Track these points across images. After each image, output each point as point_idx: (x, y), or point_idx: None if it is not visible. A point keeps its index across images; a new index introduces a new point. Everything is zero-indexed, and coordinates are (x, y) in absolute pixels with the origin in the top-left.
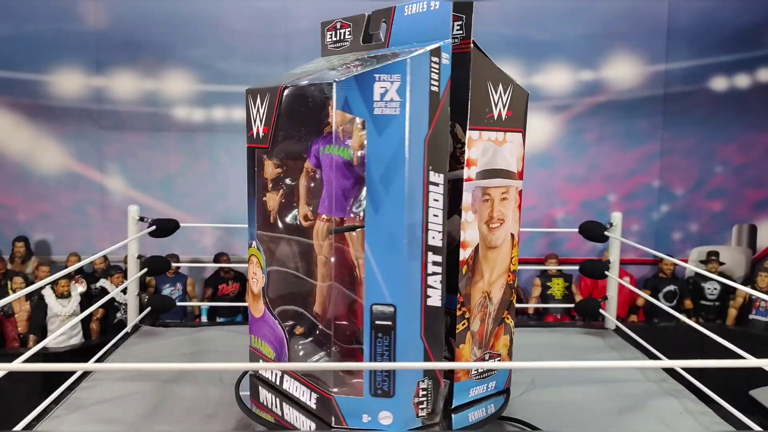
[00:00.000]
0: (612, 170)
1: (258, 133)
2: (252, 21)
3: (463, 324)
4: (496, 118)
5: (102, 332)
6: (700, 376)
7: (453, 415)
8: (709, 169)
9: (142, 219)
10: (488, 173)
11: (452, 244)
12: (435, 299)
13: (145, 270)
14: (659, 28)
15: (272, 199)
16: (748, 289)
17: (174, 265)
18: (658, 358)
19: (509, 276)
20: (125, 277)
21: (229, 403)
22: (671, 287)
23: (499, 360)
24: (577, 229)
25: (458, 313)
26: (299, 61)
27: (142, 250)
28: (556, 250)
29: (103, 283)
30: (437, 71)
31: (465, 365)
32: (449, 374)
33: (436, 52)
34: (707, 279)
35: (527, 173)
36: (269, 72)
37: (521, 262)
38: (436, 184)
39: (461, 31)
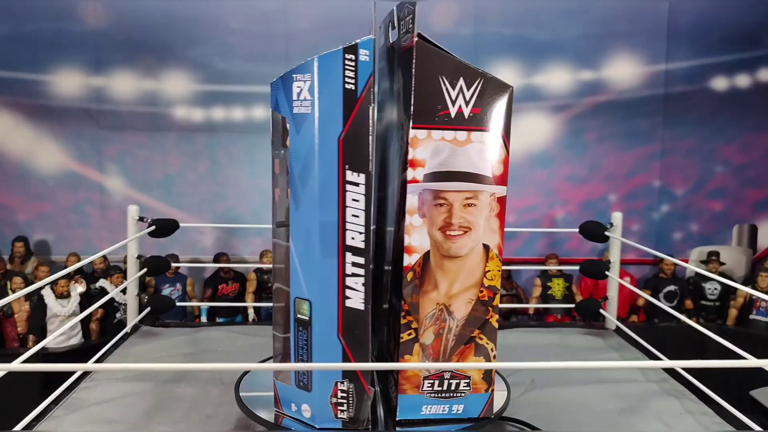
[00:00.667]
0: (612, 170)
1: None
2: (252, 21)
3: (409, 334)
4: (453, 115)
5: (102, 332)
6: (700, 376)
7: (398, 429)
8: (710, 169)
9: (141, 219)
10: (441, 176)
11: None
12: (355, 301)
13: (145, 270)
14: (659, 28)
15: None
16: (748, 290)
17: (174, 265)
18: (658, 359)
19: (482, 292)
20: (125, 278)
21: (229, 403)
22: (672, 287)
23: (467, 384)
24: (577, 229)
25: (402, 321)
26: (299, 60)
27: (141, 250)
28: (556, 250)
29: (102, 283)
30: (353, 69)
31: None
32: (385, 382)
33: (351, 50)
34: (708, 279)
35: (526, 173)
36: (269, 72)
37: (521, 262)
38: (356, 184)
39: (412, 25)
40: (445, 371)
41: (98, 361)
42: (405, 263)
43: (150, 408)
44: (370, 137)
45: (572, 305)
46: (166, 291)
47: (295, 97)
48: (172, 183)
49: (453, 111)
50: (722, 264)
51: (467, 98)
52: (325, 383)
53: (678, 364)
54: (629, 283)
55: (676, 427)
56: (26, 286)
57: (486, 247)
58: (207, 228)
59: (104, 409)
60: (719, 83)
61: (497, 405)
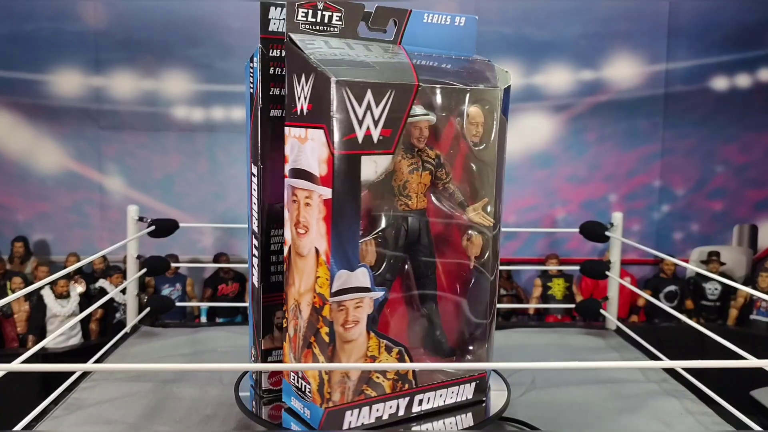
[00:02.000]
0: (613, 170)
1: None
2: (252, 21)
3: (284, 321)
4: (299, 112)
5: (101, 333)
6: (701, 376)
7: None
8: (710, 169)
9: (141, 219)
10: (294, 172)
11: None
12: (254, 278)
13: (145, 270)
14: (660, 27)
15: None
16: (749, 290)
17: (173, 265)
18: (658, 359)
19: (315, 298)
20: (124, 278)
21: (229, 404)
22: (672, 287)
23: (309, 391)
24: (577, 230)
25: (284, 307)
26: None
27: (141, 250)
28: (556, 250)
29: (102, 283)
30: (251, 75)
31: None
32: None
33: (251, 59)
34: (708, 279)
35: (526, 173)
36: None
37: (521, 262)
38: (254, 175)
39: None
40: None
41: (98, 361)
42: (284, 254)
43: (150, 408)
44: (259, 135)
45: (572, 305)
46: (166, 291)
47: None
48: (172, 183)
49: (299, 107)
50: (723, 264)
51: (306, 94)
52: None
53: (678, 365)
54: (629, 283)
55: (677, 427)
56: (26, 286)
57: (316, 251)
58: (207, 228)
59: (104, 409)
60: (720, 83)
61: (497, 406)
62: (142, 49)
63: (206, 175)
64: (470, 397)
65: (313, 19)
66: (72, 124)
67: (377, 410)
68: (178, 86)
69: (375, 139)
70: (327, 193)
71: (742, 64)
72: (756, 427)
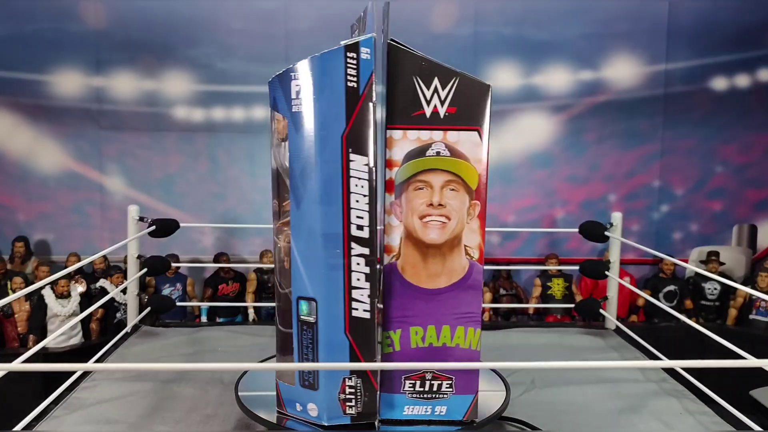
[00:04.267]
0: (612, 170)
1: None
2: (252, 21)
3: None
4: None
5: (102, 332)
6: (700, 376)
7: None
8: (710, 169)
9: (141, 219)
10: None
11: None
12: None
13: (145, 270)
14: (659, 28)
15: None
16: (748, 289)
17: (174, 265)
18: (658, 359)
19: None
20: (125, 278)
21: (229, 403)
22: (671, 287)
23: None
24: (577, 229)
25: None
26: (299, 60)
27: (141, 250)
28: (556, 250)
29: (102, 283)
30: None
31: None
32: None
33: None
34: (707, 279)
35: (526, 173)
36: (269, 72)
37: (521, 262)
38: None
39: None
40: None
41: (98, 360)
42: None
43: (150, 408)
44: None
45: (572, 305)
46: (166, 291)
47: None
48: (173, 183)
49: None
50: (722, 264)
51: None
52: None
53: (678, 364)
54: (629, 283)
55: (676, 426)
56: (26, 286)
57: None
58: (207, 228)
59: (104, 409)
60: (719, 83)
61: (497, 405)
62: (142, 50)
63: (206, 176)
64: None
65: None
66: (73, 124)
67: None
68: (178, 86)
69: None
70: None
71: (742, 65)
72: (755, 427)
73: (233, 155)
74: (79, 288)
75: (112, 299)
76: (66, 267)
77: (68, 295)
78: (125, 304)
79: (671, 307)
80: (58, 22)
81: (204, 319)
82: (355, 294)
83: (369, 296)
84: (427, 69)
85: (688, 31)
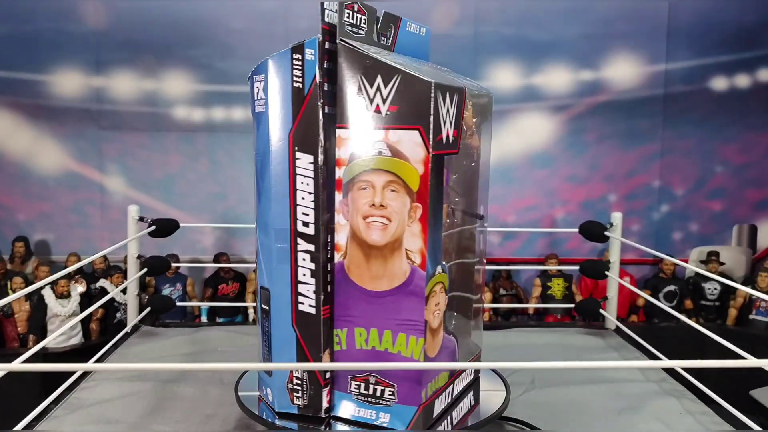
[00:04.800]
0: (612, 170)
1: (448, 137)
2: (252, 21)
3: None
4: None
5: (102, 332)
6: (700, 376)
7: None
8: (710, 169)
9: (141, 219)
10: None
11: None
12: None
13: (145, 270)
14: (659, 28)
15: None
16: (748, 289)
17: (174, 265)
18: (658, 359)
19: None
20: (125, 277)
21: (229, 403)
22: (671, 287)
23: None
24: (577, 229)
25: None
26: None
27: (141, 250)
28: (556, 250)
29: (102, 283)
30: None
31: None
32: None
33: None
34: (707, 279)
35: (526, 173)
36: None
37: (521, 262)
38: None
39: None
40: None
41: (98, 361)
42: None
43: (150, 408)
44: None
45: (572, 305)
46: (166, 291)
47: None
48: (173, 183)
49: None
50: (722, 264)
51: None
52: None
53: (678, 364)
54: (629, 283)
55: (676, 426)
56: (26, 286)
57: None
58: (207, 228)
59: (104, 409)
60: (719, 83)
61: (495, 406)
62: (142, 50)
63: (207, 175)
64: None
65: (351, 21)
66: (73, 124)
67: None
68: (178, 86)
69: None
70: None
71: (742, 65)
72: (755, 427)
73: (233, 155)
74: (79, 288)
75: (112, 299)
76: (66, 267)
77: (68, 295)
78: (125, 304)
79: (671, 307)
80: (58, 23)
81: (204, 319)
82: (301, 288)
83: (314, 292)
84: (371, 67)
85: (688, 31)
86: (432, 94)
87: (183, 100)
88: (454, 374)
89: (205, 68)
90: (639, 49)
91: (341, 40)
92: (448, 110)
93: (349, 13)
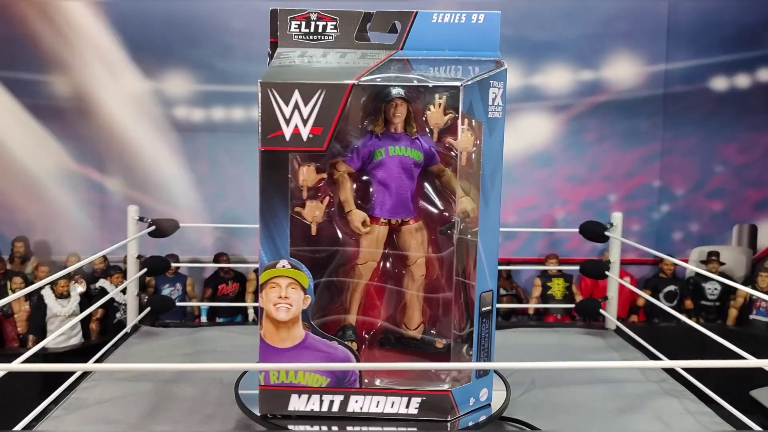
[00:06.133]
0: (612, 170)
1: (298, 134)
2: (252, 21)
3: None
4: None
5: (102, 332)
6: (700, 376)
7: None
8: (710, 169)
9: (141, 219)
10: None
11: None
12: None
13: (145, 270)
14: (659, 28)
15: (315, 209)
16: (748, 290)
17: (173, 265)
18: (658, 359)
19: None
20: (125, 278)
21: (229, 403)
22: (672, 287)
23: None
24: (577, 229)
25: None
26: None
27: (141, 250)
28: (556, 250)
29: (102, 283)
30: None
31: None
32: None
33: (501, 64)
34: (708, 279)
35: (526, 173)
36: None
37: (521, 262)
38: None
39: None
40: None
41: (98, 361)
42: None
43: (150, 408)
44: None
45: (572, 305)
46: (166, 291)
47: (490, 102)
48: (173, 183)
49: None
50: (722, 264)
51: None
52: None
53: (678, 364)
54: (629, 283)
55: (676, 427)
56: (26, 286)
57: None
58: (207, 228)
59: (104, 409)
60: (719, 83)
61: (495, 406)
62: (142, 50)
63: (206, 176)
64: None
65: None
66: (73, 124)
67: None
68: (178, 87)
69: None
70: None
71: (742, 65)
72: (756, 427)
73: (233, 155)
74: (79, 288)
75: (112, 299)
76: (66, 267)
77: (68, 296)
78: (125, 304)
79: (671, 308)
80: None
81: (204, 319)
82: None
83: None
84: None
85: (688, 30)
86: (259, 92)
87: (183, 100)
88: (343, 384)
89: (205, 68)
90: (639, 49)
91: (269, 51)
92: (297, 108)
93: (299, 23)
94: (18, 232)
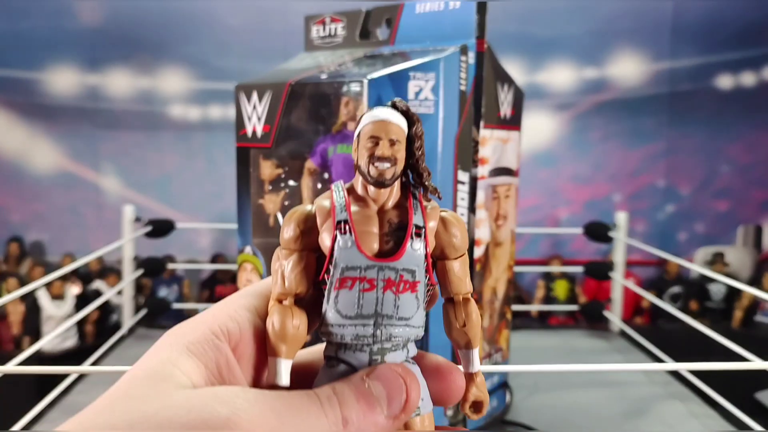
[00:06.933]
0: (617, 169)
1: (255, 131)
2: (249, 17)
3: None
4: (503, 116)
5: (97, 334)
6: (705, 378)
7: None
8: (715, 168)
9: (137, 219)
10: (497, 171)
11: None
12: None
13: (141, 271)
14: (664, 25)
15: (272, 202)
16: (754, 291)
17: (170, 266)
18: (663, 361)
19: (509, 271)
20: (120, 279)
21: None
22: (676, 289)
23: (500, 354)
24: (581, 230)
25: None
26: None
27: (137, 251)
28: (560, 251)
29: (98, 284)
30: (464, 70)
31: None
32: None
33: (464, 51)
34: (712, 280)
35: (529, 172)
36: (267, 69)
37: (524, 263)
38: (463, 183)
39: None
40: (491, 349)
41: (94, 363)
42: (475, 256)
43: None
44: (473, 138)
45: (576, 307)
46: (163, 293)
47: (412, 96)
48: (169, 183)
49: (503, 113)
50: (727, 265)
51: (509, 101)
52: None
53: (683, 367)
54: (633, 285)
55: (681, 429)
56: (21, 287)
57: (512, 232)
58: (204, 229)
59: None
60: (725, 81)
61: (497, 409)
62: (138, 47)
63: (203, 175)
64: None
65: (324, 33)
66: (67, 122)
67: None
68: (174, 84)
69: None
70: (518, 182)
71: (747, 62)
72: (758, 428)
73: (230, 154)
74: (74, 290)
75: (108, 301)
76: (61, 268)
77: (63, 297)
78: (121, 306)
79: (676, 309)
80: (52, 19)
81: None
82: None
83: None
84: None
85: (693, 28)
86: (235, 94)
87: (179, 97)
88: None
89: (201, 65)
90: (643, 47)
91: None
92: (255, 107)
93: (318, 28)
94: (12, 233)
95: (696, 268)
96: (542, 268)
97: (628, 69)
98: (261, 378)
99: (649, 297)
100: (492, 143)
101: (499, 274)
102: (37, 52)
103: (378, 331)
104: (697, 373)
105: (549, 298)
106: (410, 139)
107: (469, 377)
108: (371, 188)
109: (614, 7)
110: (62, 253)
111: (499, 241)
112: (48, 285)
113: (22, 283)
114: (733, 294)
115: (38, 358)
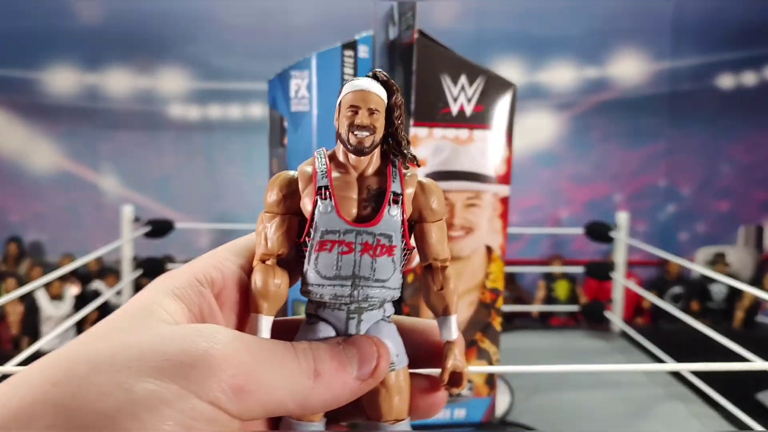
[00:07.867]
0: (617, 169)
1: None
2: (249, 17)
3: None
4: (455, 113)
5: None
6: (707, 379)
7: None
8: (716, 168)
9: (136, 219)
10: (445, 175)
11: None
12: None
13: (140, 272)
14: (665, 24)
15: None
16: (755, 291)
17: (169, 266)
18: (664, 362)
19: (483, 294)
20: (119, 279)
21: None
22: (677, 289)
23: (468, 388)
24: (581, 230)
25: None
26: (298, 57)
27: (136, 251)
28: (560, 252)
29: (97, 285)
30: (352, 65)
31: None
32: None
33: (350, 46)
34: (713, 281)
35: (530, 172)
36: (267, 69)
37: (525, 263)
38: None
39: (413, 22)
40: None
41: None
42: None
43: None
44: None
45: (577, 307)
46: None
47: (292, 94)
48: (168, 182)
49: (454, 109)
50: (728, 265)
51: (469, 96)
52: None
53: (684, 367)
54: (634, 285)
55: (682, 430)
56: (19, 287)
57: (488, 249)
58: (204, 229)
59: None
60: (726, 81)
61: (500, 409)
62: (137, 47)
63: (203, 175)
64: None
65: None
66: (67, 122)
67: None
68: (174, 84)
69: None
70: (505, 191)
71: (749, 62)
72: (758, 427)
73: (230, 154)
74: (73, 290)
75: (107, 301)
76: (60, 268)
77: (62, 297)
78: (120, 307)
79: (677, 309)
80: (51, 19)
81: None
82: None
83: None
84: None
85: (694, 27)
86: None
87: (179, 97)
88: None
89: (201, 65)
90: (644, 47)
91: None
92: None
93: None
94: (11, 233)
95: (697, 268)
96: (543, 268)
97: (628, 69)
98: (242, 327)
99: (650, 297)
100: (433, 143)
101: (459, 294)
102: (36, 51)
103: (355, 292)
104: (698, 374)
105: (550, 299)
106: (390, 109)
107: (448, 346)
108: (351, 156)
109: (615, 6)
110: (61, 253)
111: (457, 254)
112: (47, 285)
113: (21, 283)
114: (734, 294)
115: (37, 359)
